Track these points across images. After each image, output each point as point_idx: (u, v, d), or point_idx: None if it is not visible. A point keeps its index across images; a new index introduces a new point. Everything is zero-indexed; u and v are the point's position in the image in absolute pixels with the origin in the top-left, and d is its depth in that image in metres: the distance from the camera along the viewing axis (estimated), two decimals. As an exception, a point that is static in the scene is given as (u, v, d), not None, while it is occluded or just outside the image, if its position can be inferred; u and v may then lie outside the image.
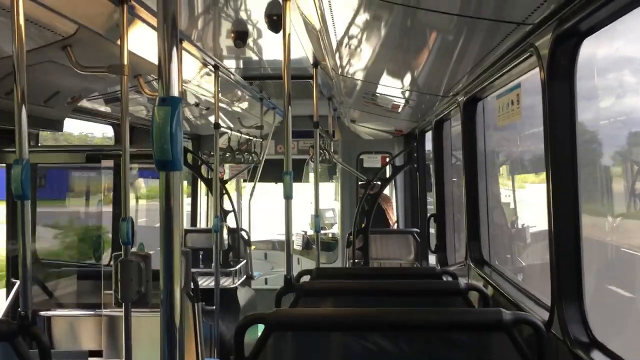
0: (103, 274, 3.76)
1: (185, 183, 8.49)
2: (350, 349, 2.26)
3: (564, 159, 2.19)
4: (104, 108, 5.18)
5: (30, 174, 2.37)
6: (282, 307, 2.95)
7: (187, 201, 8.73)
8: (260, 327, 2.16)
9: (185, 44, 3.72)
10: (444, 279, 3.39)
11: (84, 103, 4.68)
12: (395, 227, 8.06)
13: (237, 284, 6.27)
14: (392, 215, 8.14)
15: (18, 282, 2.45)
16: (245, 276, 6.71)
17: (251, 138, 8.00)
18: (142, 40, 3.20)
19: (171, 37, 1.34)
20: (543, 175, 2.33)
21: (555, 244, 2.19)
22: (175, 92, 1.34)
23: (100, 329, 3.92)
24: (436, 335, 2.21)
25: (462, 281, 2.93)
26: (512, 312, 2.07)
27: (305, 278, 3.36)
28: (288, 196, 3.22)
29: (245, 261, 6.81)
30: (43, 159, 4.30)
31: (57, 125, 4.05)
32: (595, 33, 2.02)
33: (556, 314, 2.18)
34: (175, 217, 1.33)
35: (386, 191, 7.87)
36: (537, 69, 2.28)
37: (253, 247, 7.75)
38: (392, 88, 4.65)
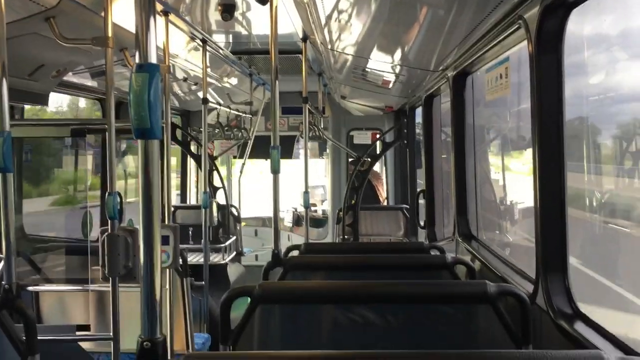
0: (90, 249, 3.75)
1: (174, 160, 8.45)
2: (337, 321, 2.27)
3: (551, 133, 2.19)
4: (90, 82, 5.12)
5: (14, 148, 2.34)
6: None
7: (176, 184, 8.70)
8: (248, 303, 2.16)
9: (172, 18, 3.66)
10: (432, 253, 3.40)
11: (70, 77, 4.62)
12: (385, 203, 8.08)
13: (227, 260, 6.29)
14: (382, 191, 8.15)
15: (2, 257, 2.43)
16: (235, 252, 6.73)
17: (241, 114, 7.95)
18: (126, 12, 3.14)
19: (148, 3, 1.31)
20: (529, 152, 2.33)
21: (541, 217, 2.19)
22: (153, 59, 1.31)
23: (88, 304, 3.92)
24: (422, 307, 2.22)
25: (449, 255, 2.94)
26: (496, 285, 2.08)
27: (295, 253, 3.36)
28: (276, 171, 3.21)
29: (235, 238, 6.82)
30: (27, 132, 4.25)
31: (42, 99, 4.00)
32: (582, 4, 2.01)
33: (540, 286, 2.20)
34: (154, 187, 1.31)
35: (376, 167, 7.86)
36: (526, 42, 2.27)
37: (243, 223, 7.75)
38: (383, 63, 4.62)
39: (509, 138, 4.34)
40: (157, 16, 3.52)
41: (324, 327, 2.30)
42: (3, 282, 2.28)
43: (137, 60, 1.30)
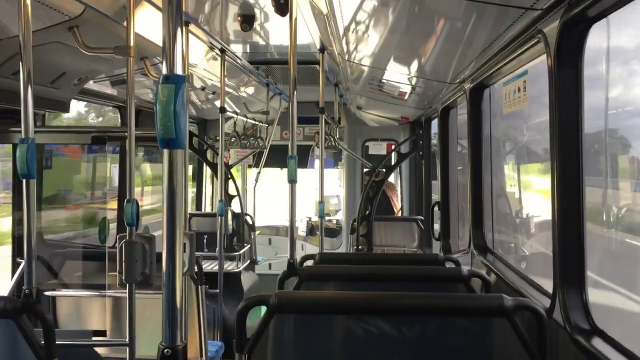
0: (108, 255, 3.78)
1: (190, 168, 8.51)
2: (352, 332, 2.27)
3: (569, 146, 2.19)
4: (110, 90, 5.19)
5: (36, 154, 2.38)
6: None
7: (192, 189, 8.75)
8: (264, 312, 2.17)
9: (192, 27, 3.71)
10: (447, 266, 3.39)
11: (91, 85, 4.68)
12: (399, 214, 8.06)
13: (240, 268, 6.31)
14: (397, 202, 8.14)
15: (23, 262, 2.46)
16: (249, 261, 6.75)
17: (257, 123, 8.00)
18: (148, 22, 3.19)
19: (175, 16, 1.34)
20: (547, 165, 2.33)
21: (559, 231, 2.19)
22: (179, 70, 1.34)
23: (104, 310, 3.95)
24: (438, 320, 2.22)
25: (465, 268, 2.93)
26: (513, 298, 2.07)
27: (309, 263, 3.37)
28: (293, 180, 3.23)
29: (249, 246, 6.84)
30: (49, 139, 4.31)
31: (63, 107, 4.06)
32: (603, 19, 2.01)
33: (558, 300, 2.18)
34: (178, 195, 1.34)
35: (391, 179, 7.86)
36: (544, 56, 2.27)
37: (257, 232, 7.78)
38: (399, 74, 4.64)
39: (526, 151, 4.33)
40: (178, 26, 3.57)
41: (339, 338, 2.30)
42: (23, 287, 2.32)
43: (164, 72, 1.32)
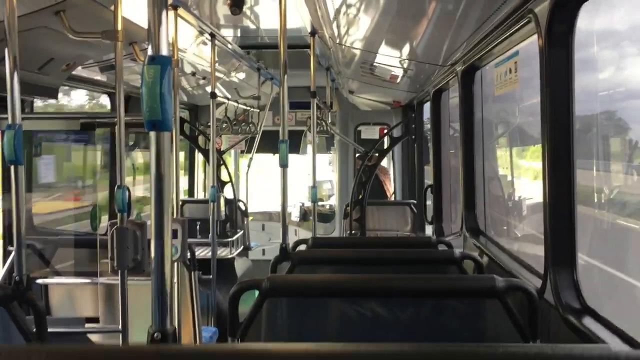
0: (99, 242, 3.77)
1: (182, 154, 8.48)
2: (345, 315, 2.27)
3: (560, 127, 2.18)
4: (99, 76, 5.14)
5: (24, 141, 2.36)
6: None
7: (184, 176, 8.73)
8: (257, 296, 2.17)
9: (181, 12, 3.67)
10: (440, 248, 3.40)
11: (80, 71, 4.64)
12: (392, 198, 8.07)
13: (234, 254, 6.31)
14: (390, 186, 8.15)
15: (13, 249, 2.45)
16: (242, 247, 6.75)
17: (248, 109, 7.96)
18: (136, 6, 3.15)
19: (160, -5, 1.32)
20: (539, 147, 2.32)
21: (550, 212, 2.19)
22: (164, 52, 1.32)
23: (97, 297, 3.95)
24: (430, 302, 2.22)
25: (457, 250, 2.93)
26: (504, 279, 2.07)
27: (302, 247, 3.37)
28: (284, 164, 3.22)
29: (242, 232, 6.84)
30: (37, 125, 4.27)
31: (51, 93, 4.02)
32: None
33: (549, 280, 2.19)
34: (166, 179, 1.32)
35: (384, 163, 7.86)
36: (536, 36, 2.26)
37: (250, 218, 7.77)
38: (391, 57, 4.61)
39: (518, 133, 4.33)
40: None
41: (331, 321, 2.31)
42: (14, 274, 2.30)
43: (149, 53, 1.30)
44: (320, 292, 2.24)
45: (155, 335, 1.33)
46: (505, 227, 4.28)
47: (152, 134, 1.32)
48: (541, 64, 2.21)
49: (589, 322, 1.99)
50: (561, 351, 1.11)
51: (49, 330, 2.28)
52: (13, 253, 2.59)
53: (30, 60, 3.58)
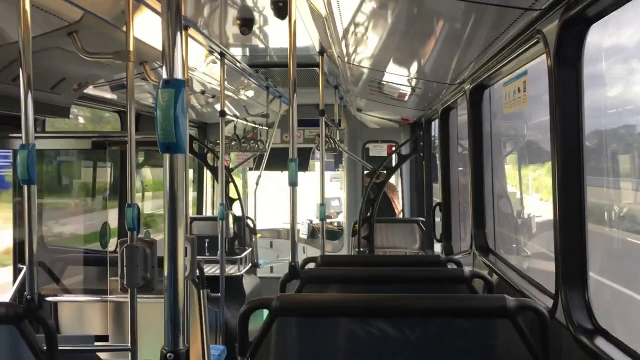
0: (109, 260, 3.78)
1: (191, 172, 8.51)
2: (355, 334, 2.26)
3: (570, 146, 2.18)
4: (110, 95, 5.19)
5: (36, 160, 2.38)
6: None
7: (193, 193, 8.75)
8: (266, 315, 2.17)
9: (191, 31, 3.72)
10: (449, 267, 3.39)
11: (90, 90, 4.69)
12: (400, 216, 8.06)
13: (242, 272, 6.30)
14: (398, 204, 8.14)
15: (25, 267, 2.46)
16: (250, 264, 6.75)
17: (257, 126, 8.00)
18: (147, 27, 3.20)
19: (175, 20, 1.34)
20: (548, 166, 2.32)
21: (560, 231, 2.18)
22: (178, 75, 1.34)
23: (106, 315, 3.95)
24: (440, 321, 2.22)
25: (467, 269, 2.92)
26: (515, 299, 2.07)
27: (311, 265, 3.36)
28: (293, 183, 3.23)
29: (250, 249, 6.84)
30: (49, 144, 4.31)
31: (63, 112, 4.06)
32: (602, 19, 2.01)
33: (560, 300, 2.18)
34: (179, 200, 1.34)
35: (392, 180, 7.86)
36: (544, 56, 2.27)
37: (259, 235, 7.77)
38: (399, 76, 4.64)
39: (527, 151, 4.33)
40: (179, 31, 3.58)
41: (341, 340, 2.30)
42: (25, 293, 2.31)
43: (163, 76, 1.32)
44: (329, 311, 2.24)
45: (168, 355, 1.34)
46: (515, 245, 4.26)
47: (166, 156, 1.33)
48: (550, 84, 2.22)
49: (601, 343, 1.97)
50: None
51: (60, 347, 2.28)
52: (24, 271, 2.60)
53: (42, 80, 3.63)
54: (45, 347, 2.19)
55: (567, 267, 2.17)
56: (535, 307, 2.05)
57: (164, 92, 1.29)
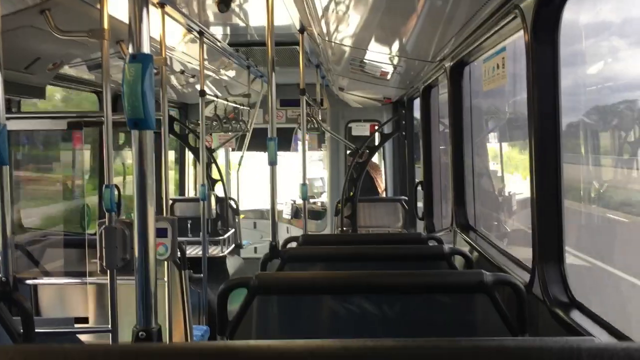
0: (88, 242, 3.75)
1: (172, 153, 8.45)
2: (335, 312, 2.27)
3: (547, 122, 2.19)
4: (87, 75, 5.11)
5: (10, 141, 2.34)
6: None
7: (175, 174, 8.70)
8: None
9: (169, 9, 3.65)
10: (430, 244, 3.40)
11: (67, 70, 4.61)
12: (383, 195, 8.08)
13: (225, 253, 6.30)
14: (381, 183, 8.15)
15: None
16: (234, 245, 6.74)
17: (239, 106, 7.94)
18: (123, 4, 3.12)
19: (141, -8, 1.31)
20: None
21: (537, 207, 2.20)
22: (146, 49, 1.31)
23: (86, 297, 3.93)
24: (419, 297, 2.23)
25: (447, 246, 2.94)
26: (492, 274, 2.08)
27: (293, 245, 3.36)
28: (273, 162, 3.21)
29: (234, 230, 6.83)
30: (23, 125, 4.24)
31: (38, 92, 3.99)
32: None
33: (537, 275, 2.20)
34: (148, 177, 1.31)
35: (375, 159, 7.86)
36: (522, 32, 2.26)
37: (242, 216, 7.76)
38: (380, 54, 4.61)
39: (507, 129, 4.34)
40: (154, 8, 3.51)
41: (321, 318, 2.31)
42: (0, 275, 2.29)
43: (130, 51, 1.29)
44: (309, 289, 2.24)
45: (140, 334, 1.33)
46: (495, 223, 4.29)
47: (135, 133, 1.31)
48: (527, 59, 2.21)
49: (576, 316, 2.00)
50: (546, 343, 1.12)
51: (38, 330, 2.26)
52: None
53: (15, 60, 3.55)
54: (22, 330, 2.17)
55: (544, 243, 2.19)
56: (511, 282, 2.07)
57: (130, 66, 1.26)
